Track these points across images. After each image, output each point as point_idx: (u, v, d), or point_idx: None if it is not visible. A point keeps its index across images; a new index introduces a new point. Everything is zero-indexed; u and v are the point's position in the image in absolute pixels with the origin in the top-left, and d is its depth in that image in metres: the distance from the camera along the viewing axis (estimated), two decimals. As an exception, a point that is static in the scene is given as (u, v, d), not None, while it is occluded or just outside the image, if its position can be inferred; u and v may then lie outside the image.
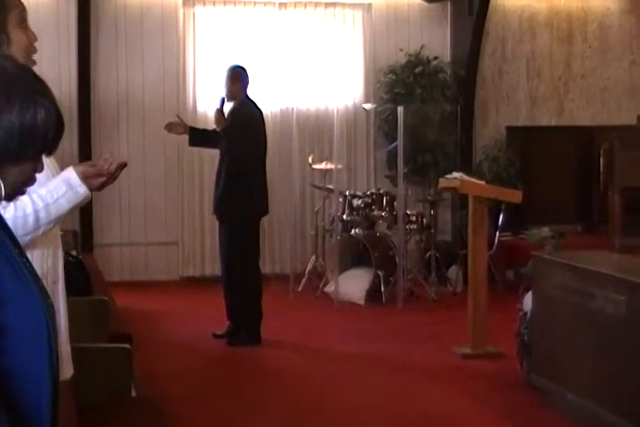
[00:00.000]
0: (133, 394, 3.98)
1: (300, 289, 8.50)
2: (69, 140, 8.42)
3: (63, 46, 8.80)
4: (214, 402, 5.35)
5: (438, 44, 9.70)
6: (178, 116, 7.02)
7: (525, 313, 5.44)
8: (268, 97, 9.04)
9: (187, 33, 9.28)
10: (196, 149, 8.40)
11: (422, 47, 9.52)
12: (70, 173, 2.43)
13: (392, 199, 8.36)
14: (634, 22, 10.16)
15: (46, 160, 2.45)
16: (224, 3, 9.34)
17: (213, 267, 8.96)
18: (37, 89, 1.58)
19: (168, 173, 9.26)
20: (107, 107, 9.10)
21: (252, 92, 6.84)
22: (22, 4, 2.55)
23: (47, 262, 2.53)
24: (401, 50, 9.47)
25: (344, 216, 8.40)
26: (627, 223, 8.43)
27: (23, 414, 1.51)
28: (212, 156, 8.28)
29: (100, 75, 9.06)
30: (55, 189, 2.40)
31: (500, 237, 8.60)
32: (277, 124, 9.06)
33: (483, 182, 6.74)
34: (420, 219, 8.46)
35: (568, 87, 10.07)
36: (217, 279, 7.62)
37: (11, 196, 1.61)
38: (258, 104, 6.81)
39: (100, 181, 2.46)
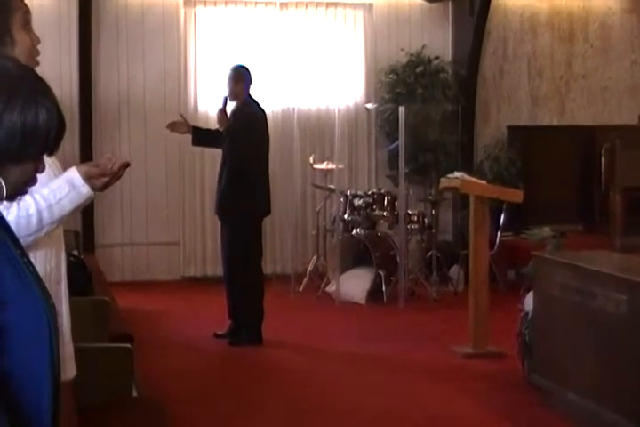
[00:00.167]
0: (134, 394, 3.98)
1: (301, 289, 8.50)
2: (71, 140, 8.42)
3: (64, 47, 8.81)
4: (215, 402, 5.35)
5: (439, 43, 9.70)
6: (181, 116, 7.02)
7: (526, 313, 5.44)
8: (270, 97, 9.04)
9: (188, 33, 9.29)
10: (197, 149, 8.41)
11: (423, 47, 9.52)
12: (73, 174, 2.43)
13: (393, 199, 8.36)
14: (635, 22, 10.15)
15: (49, 160, 2.46)
16: (225, 3, 9.35)
17: (215, 267, 8.97)
18: (39, 89, 1.59)
19: (169, 173, 9.27)
20: (108, 107, 9.11)
21: (254, 92, 6.84)
22: (26, 5, 2.55)
23: (50, 263, 2.54)
24: (402, 50, 9.47)
25: (345, 216, 8.41)
26: (628, 223, 8.43)
27: (23, 414, 1.51)
28: (213, 156, 8.29)
29: (102, 75, 9.07)
30: (58, 189, 2.40)
31: (501, 236, 8.60)
32: (278, 124, 9.06)
33: (484, 182, 6.74)
34: (421, 219, 8.46)
35: (569, 87, 10.07)
36: (218, 279, 7.63)
37: (12, 196, 1.61)
38: (261, 104, 6.82)
39: (102, 181, 2.46)
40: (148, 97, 9.19)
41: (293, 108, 8.89)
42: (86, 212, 8.62)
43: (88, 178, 2.43)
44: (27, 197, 2.33)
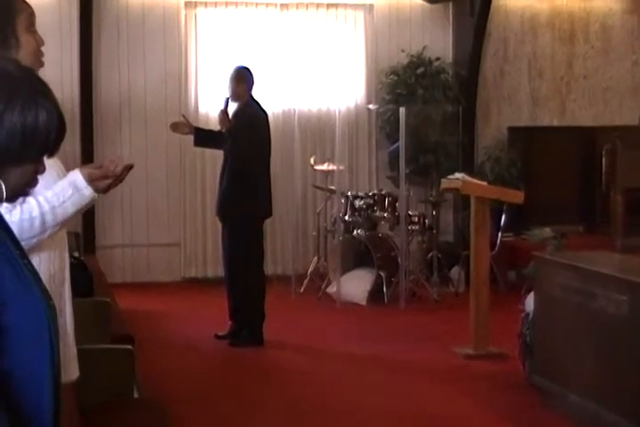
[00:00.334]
0: (135, 395, 3.98)
1: (302, 290, 8.50)
2: (71, 141, 8.42)
3: (65, 48, 8.81)
4: (216, 403, 5.36)
5: (440, 44, 9.70)
6: (183, 116, 7.02)
7: (527, 314, 5.44)
8: (270, 98, 9.04)
9: (188, 34, 9.29)
10: (198, 151, 8.42)
11: (424, 48, 9.52)
12: (76, 176, 2.43)
13: (394, 200, 8.36)
14: (636, 22, 10.15)
15: (52, 162, 2.47)
16: (225, 4, 9.35)
17: (215, 268, 8.98)
18: (39, 90, 1.59)
19: (170, 175, 9.27)
20: (109, 108, 9.11)
21: (255, 93, 6.84)
22: (31, 7, 2.55)
23: (54, 265, 2.53)
24: (403, 51, 9.47)
25: (346, 217, 8.41)
26: (629, 224, 8.43)
27: (23, 414, 1.51)
28: (214, 157, 8.30)
29: (102, 76, 9.07)
30: (61, 191, 2.40)
31: (501, 237, 8.59)
32: (279, 126, 9.06)
33: (485, 183, 6.74)
34: (422, 220, 8.46)
35: (570, 87, 10.07)
36: (219, 280, 7.63)
37: (12, 197, 1.61)
38: (262, 105, 6.82)
39: (105, 183, 2.46)
40: (149, 98, 9.20)
41: (294, 110, 8.90)
42: (87, 213, 8.61)
43: (91, 180, 2.43)
44: (30, 200, 2.34)
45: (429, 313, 7.83)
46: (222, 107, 6.67)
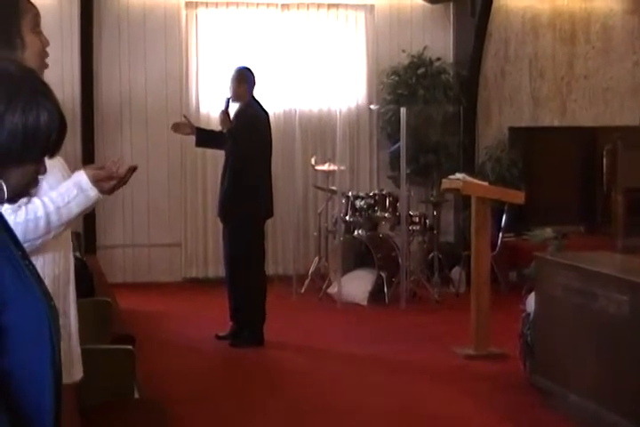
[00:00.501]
0: (136, 395, 3.98)
1: (302, 290, 8.50)
2: (72, 141, 8.42)
3: (66, 48, 8.81)
4: (217, 403, 5.36)
5: (441, 45, 9.70)
6: (185, 117, 7.02)
7: (528, 314, 5.44)
8: (271, 98, 9.04)
9: (189, 35, 9.29)
10: (199, 151, 8.43)
11: (425, 48, 9.52)
12: (81, 177, 2.43)
13: (395, 200, 8.36)
14: (637, 23, 10.15)
15: (57, 163, 2.47)
16: (226, 4, 9.35)
17: (216, 268, 8.98)
18: (40, 91, 1.59)
19: (171, 175, 9.27)
20: (110, 108, 9.12)
21: (256, 93, 6.85)
22: (36, 8, 2.53)
23: (59, 265, 2.53)
24: (403, 51, 9.47)
25: (347, 217, 8.41)
26: (630, 224, 8.43)
27: (24, 414, 1.51)
28: (215, 157, 8.30)
29: (103, 77, 9.08)
30: (66, 192, 2.40)
31: (502, 237, 8.59)
32: (280, 126, 9.06)
33: (485, 183, 6.74)
34: (422, 220, 8.46)
35: (571, 88, 10.07)
36: (220, 281, 7.63)
37: (13, 198, 1.61)
38: (264, 105, 6.82)
39: (110, 184, 2.47)
40: (150, 98, 9.20)
41: (295, 110, 8.90)
42: (88, 213, 8.59)
43: (96, 181, 2.43)
44: (35, 200, 2.34)
45: (430, 313, 7.83)
46: (223, 107, 6.67)
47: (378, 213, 8.38)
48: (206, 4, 9.34)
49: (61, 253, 2.55)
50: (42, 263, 2.43)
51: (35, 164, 1.60)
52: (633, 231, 8.33)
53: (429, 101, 9.26)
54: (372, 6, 9.65)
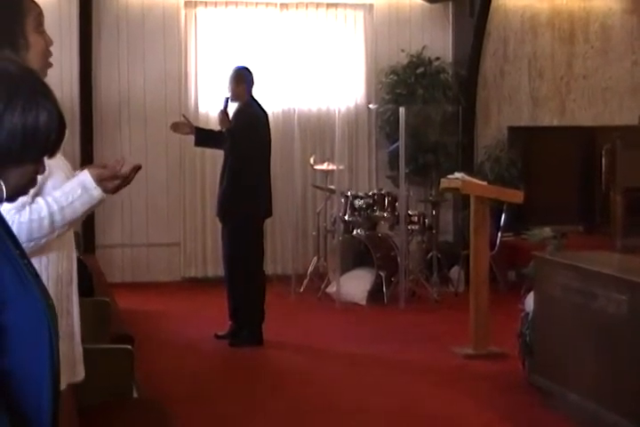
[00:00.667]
0: (135, 395, 3.98)
1: (301, 290, 8.50)
2: (71, 141, 8.42)
3: (65, 48, 8.80)
4: (216, 403, 5.35)
5: (440, 44, 9.70)
6: (184, 116, 7.02)
7: (527, 313, 5.44)
8: (270, 98, 9.04)
9: (188, 34, 9.29)
10: (198, 150, 8.43)
11: (424, 48, 9.52)
12: (85, 176, 2.42)
13: (394, 200, 8.36)
14: (636, 22, 10.15)
15: (61, 163, 2.47)
16: (225, 4, 9.35)
17: (215, 268, 8.98)
18: (40, 91, 1.59)
19: (170, 174, 9.27)
20: (109, 108, 9.11)
21: (255, 92, 6.84)
22: (39, 7, 2.51)
23: (62, 265, 2.53)
24: (402, 50, 9.47)
25: (346, 217, 8.41)
26: (628, 224, 8.43)
27: (23, 414, 1.51)
28: (213, 156, 8.30)
29: (102, 76, 9.07)
30: (70, 191, 2.39)
31: (501, 237, 8.60)
32: (279, 125, 9.06)
33: (484, 183, 6.74)
34: (421, 219, 8.46)
35: (570, 87, 10.07)
36: (219, 280, 7.63)
37: (12, 197, 1.61)
38: (262, 105, 6.82)
39: (114, 183, 2.46)
40: (149, 98, 9.20)
41: (294, 109, 8.90)
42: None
43: (100, 180, 2.43)
44: (39, 200, 2.34)
45: (429, 313, 7.83)
46: (222, 107, 6.67)
47: (377, 213, 8.39)
48: (205, 4, 9.34)
49: (64, 252, 2.54)
50: (45, 263, 2.43)
51: (34, 164, 1.60)
52: (632, 231, 8.33)
53: (428, 101, 9.26)
54: (371, 6, 9.65)
